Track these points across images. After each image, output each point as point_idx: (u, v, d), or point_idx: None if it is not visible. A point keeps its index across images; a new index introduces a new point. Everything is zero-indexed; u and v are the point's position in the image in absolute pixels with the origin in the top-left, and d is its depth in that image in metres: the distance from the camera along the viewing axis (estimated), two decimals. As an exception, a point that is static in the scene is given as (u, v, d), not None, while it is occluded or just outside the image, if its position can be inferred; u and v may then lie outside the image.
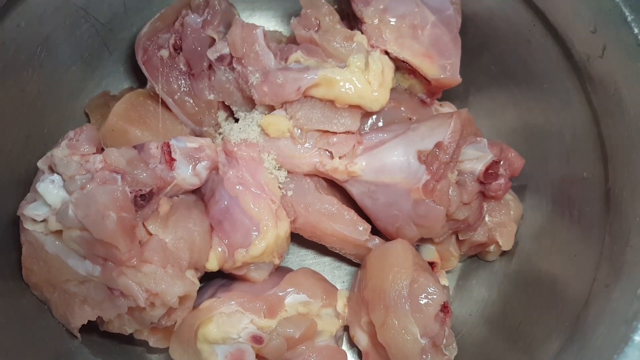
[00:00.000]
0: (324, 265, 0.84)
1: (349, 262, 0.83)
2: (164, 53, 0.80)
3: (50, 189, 0.63)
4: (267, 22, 0.93)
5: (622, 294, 0.56)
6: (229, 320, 0.67)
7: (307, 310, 0.71)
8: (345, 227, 0.75)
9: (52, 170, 0.65)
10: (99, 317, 0.66)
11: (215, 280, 0.77)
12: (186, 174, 0.69)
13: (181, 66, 0.80)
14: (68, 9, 0.76)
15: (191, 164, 0.69)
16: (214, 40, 0.80)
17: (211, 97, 0.80)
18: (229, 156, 0.74)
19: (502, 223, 0.77)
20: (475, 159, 0.73)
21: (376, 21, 0.78)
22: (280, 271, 0.76)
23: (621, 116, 0.63)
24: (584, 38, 0.67)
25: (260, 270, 0.73)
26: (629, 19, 0.61)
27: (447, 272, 0.81)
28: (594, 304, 0.60)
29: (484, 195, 0.76)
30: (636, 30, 0.61)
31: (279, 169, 0.75)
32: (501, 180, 0.74)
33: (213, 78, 0.81)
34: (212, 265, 0.71)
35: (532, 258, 0.76)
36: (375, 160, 0.73)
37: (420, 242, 0.79)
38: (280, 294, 0.70)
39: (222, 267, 0.72)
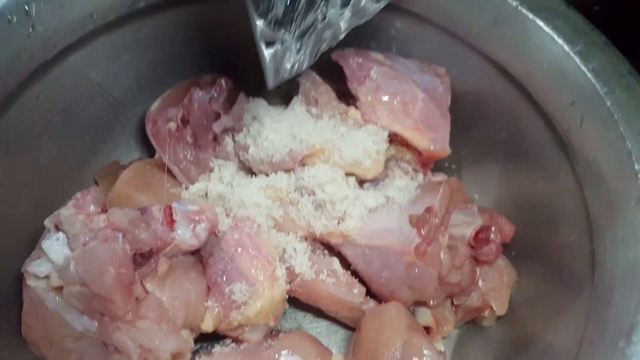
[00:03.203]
0: (320, 330, 0.84)
1: (346, 326, 0.83)
2: (172, 126, 0.86)
3: (54, 246, 0.65)
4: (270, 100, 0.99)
5: (605, 348, 0.57)
6: (222, 381, 0.67)
7: (301, 374, 0.71)
8: (340, 289, 0.76)
9: (57, 228, 0.67)
10: (93, 376, 0.66)
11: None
12: (185, 235, 0.71)
13: (188, 138, 0.86)
14: (85, 84, 0.82)
15: (191, 226, 0.71)
16: (219, 114, 0.86)
17: (214, 165, 0.84)
18: (228, 218, 0.77)
19: (495, 288, 0.78)
20: (465, 224, 0.75)
21: (369, 98, 0.83)
22: (276, 334, 0.76)
23: (600, 181, 0.66)
24: (564, 110, 0.72)
25: (255, 332, 0.73)
26: (602, 92, 0.66)
27: (443, 338, 0.81)
28: (582, 360, 0.60)
29: (476, 260, 0.77)
30: (609, 102, 0.65)
31: (277, 232, 0.78)
32: (492, 246, 0.76)
33: (217, 149, 0.86)
34: (208, 325, 0.71)
35: (526, 323, 0.76)
36: (369, 224, 0.76)
37: (415, 306, 0.79)
38: (274, 355, 0.70)
39: (218, 328, 0.72)
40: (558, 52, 0.70)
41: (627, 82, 0.66)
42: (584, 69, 0.68)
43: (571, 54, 0.69)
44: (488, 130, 0.87)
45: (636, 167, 0.62)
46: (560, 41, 0.70)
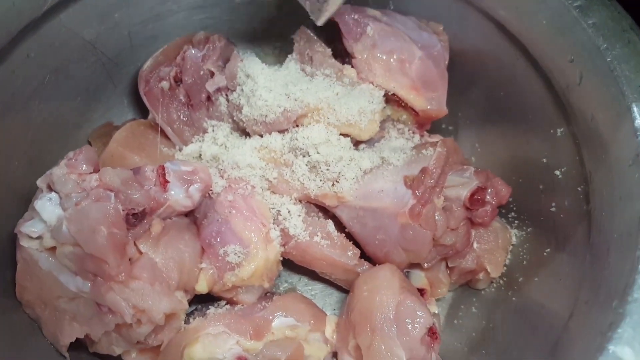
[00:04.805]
0: (315, 292, 0.84)
1: (340, 289, 0.83)
2: (165, 85, 0.84)
3: (47, 206, 0.65)
4: (264, 58, 0.97)
5: (599, 308, 0.57)
6: (215, 341, 0.68)
7: (295, 334, 0.71)
8: (335, 251, 0.76)
9: (50, 188, 0.67)
10: (88, 337, 0.67)
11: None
12: (179, 196, 0.70)
13: (181, 97, 0.84)
14: (77, 43, 0.80)
15: (184, 186, 0.71)
16: (213, 73, 0.84)
17: (208, 126, 0.83)
18: (222, 179, 0.76)
19: (490, 250, 0.78)
20: (461, 185, 0.74)
21: (365, 56, 0.81)
22: (270, 296, 0.76)
23: (598, 140, 0.65)
24: (563, 68, 0.70)
25: (249, 294, 0.74)
26: (602, 47, 0.64)
27: (437, 300, 0.81)
28: (575, 321, 0.60)
29: (472, 222, 0.77)
30: (609, 58, 0.64)
31: (270, 194, 0.77)
32: (487, 207, 0.75)
33: (211, 109, 0.84)
34: (202, 287, 0.71)
35: (521, 285, 0.76)
36: (364, 185, 0.75)
37: (409, 268, 0.79)
38: (267, 316, 0.71)
39: (212, 290, 0.73)
40: (558, 7, 0.68)
41: (628, 37, 0.64)
42: (583, 24, 0.66)
43: (571, 9, 0.67)
44: (486, 89, 0.85)
45: (635, 124, 0.61)
46: (560, -5, 0.68)
